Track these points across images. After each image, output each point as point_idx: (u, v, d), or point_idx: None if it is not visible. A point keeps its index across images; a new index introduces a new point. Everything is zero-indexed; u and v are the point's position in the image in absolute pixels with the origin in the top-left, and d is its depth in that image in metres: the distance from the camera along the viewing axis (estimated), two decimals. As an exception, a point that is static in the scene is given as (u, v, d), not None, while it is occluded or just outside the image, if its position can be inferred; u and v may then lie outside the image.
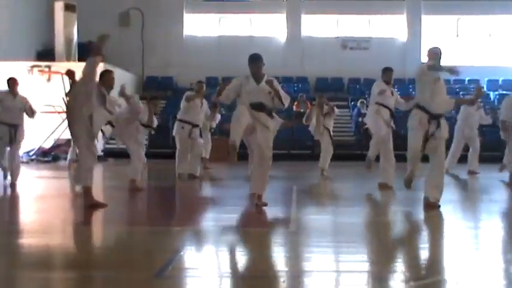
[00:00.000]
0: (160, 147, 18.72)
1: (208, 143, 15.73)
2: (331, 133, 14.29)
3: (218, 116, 15.67)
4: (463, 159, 15.05)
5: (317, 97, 14.74)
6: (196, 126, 12.99)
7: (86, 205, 8.48)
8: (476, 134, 14.88)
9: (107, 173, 15.24)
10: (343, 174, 15.18)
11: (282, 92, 8.69)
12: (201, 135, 13.52)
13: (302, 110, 19.10)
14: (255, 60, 8.71)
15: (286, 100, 8.77)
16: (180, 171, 12.98)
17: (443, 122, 8.71)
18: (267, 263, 5.64)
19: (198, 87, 13.17)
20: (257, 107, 8.56)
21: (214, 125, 15.80)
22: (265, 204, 8.62)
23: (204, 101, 13.38)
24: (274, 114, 8.92)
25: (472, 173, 14.56)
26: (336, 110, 14.40)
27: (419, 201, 8.78)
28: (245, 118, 8.49)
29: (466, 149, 15.04)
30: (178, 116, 13.08)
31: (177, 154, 13.08)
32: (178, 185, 12.50)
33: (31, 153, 19.12)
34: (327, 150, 14.12)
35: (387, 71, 11.27)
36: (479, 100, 14.66)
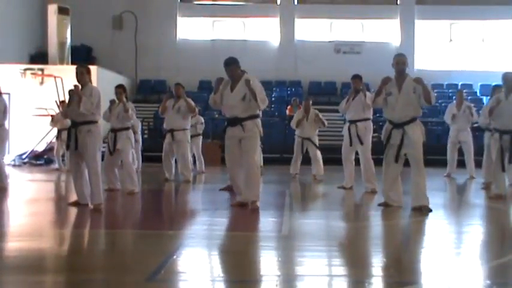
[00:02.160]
0: (154, 150, 18.66)
1: (200, 156, 15.72)
2: (315, 142, 14.40)
3: (201, 119, 15.75)
4: (461, 163, 15.08)
5: (304, 101, 14.91)
6: (176, 130, 12.97)
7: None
8: (467, 135, 14.81)
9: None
10: (336, 178, 15.17)
11: (259, 93, 8.76)
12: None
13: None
14: (227, 65, 8.90)
15: (263, 102, 8.85)
16: (166, 176, 13.28)
17: (409, 128, 8.74)
18: (259, 267, 5.63)
19: (175, 90, 13.21)
20: (230, 122, 8.89)
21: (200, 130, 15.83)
22: (257, 208, 8.69)
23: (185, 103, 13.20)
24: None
25: (470, 177, 14.58)
26: (326, 123, 14.47)
27: (403, 206, 8.85)
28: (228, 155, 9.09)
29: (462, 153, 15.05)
30: (164, 126, 13.34)
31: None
32: (171, 189, 12.49)
33: (23, 157, 19.06)
34: (315, 158, 14.28)
35: (352, 79, 11.57)
36: (465, 101, 14.80)
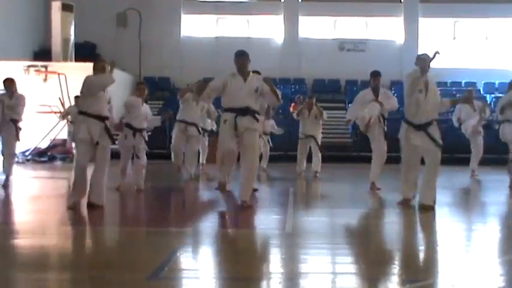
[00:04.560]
0: (157, 148, 18.70)
1: (204, 149, 15.73)
2: (318, 140, 14.41)
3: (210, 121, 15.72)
4: (465, 161, 15.04)
5: (307, 98, 14.91)
6: (192, 124, 12.95)
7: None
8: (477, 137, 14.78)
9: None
10: (339, 176, 15.18)
11: (275, 89, 8.75)
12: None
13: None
14: (240, 55, 8.74)
15: (279, 98, 8.83)
16: (178, 164, 13.10)
17: (431, 130, 8.71)
18: (263, 264, 5.63)
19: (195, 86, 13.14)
20: (241, 111, 8.57)
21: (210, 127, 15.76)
22: (250, 206, 8.66)
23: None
24: (263, 117, 8.93)
25: (472, 173, 14.57)
26: (325, 115, 14.49)
27: (415, 204, 8.81)
28: (228, 144, 8.57)
29: (469, 151, 14.99)
30: (177, 117, 13.12)
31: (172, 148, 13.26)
32: (174, 186, 12.49)
33: (27, 154, 19.08)
34: (316, 155, 14.30)
35: (374, 76, 11.14)
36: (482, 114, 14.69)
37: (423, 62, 8.65)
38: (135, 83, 13.92)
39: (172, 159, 13.18)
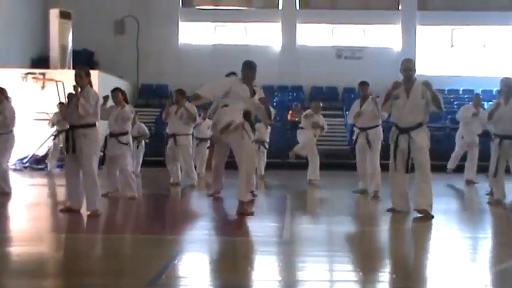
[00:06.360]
0: (154, 155, 18.68)
1: (203, 156, 15.68)
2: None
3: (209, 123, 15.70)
4: (461, 168, 15.02)
5: (313, 103, 14.92)
6: (178, 135, 12.96)
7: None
8: (476, 141, 14.70)
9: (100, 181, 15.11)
10: (337, 183, 15.17)
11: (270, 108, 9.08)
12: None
13: (297, 119, 19.12)
14: (253, 68, 8.85)
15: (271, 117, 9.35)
16: (171, 180, 13.34)
17: (415, 133, 8.74)
18: (260, 272, 5.62)
19: (175, 97, 13.18)
20: (245, 115, 8.67)
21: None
22: (252, 214, 8.65)
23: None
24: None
25: (469, 182, 14.49)
26: (325, 127, 14.47)
27: (411, 211, 8.82)
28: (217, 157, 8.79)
29: (464, 158, 14.96)
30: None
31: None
32: (171, 193, 12.48)
33: (24, 161, 19.05)
34: (312, 162, 14.31)
35: (361, 85, 11.90)
36: (479, 107, 14.74)
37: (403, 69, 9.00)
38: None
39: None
